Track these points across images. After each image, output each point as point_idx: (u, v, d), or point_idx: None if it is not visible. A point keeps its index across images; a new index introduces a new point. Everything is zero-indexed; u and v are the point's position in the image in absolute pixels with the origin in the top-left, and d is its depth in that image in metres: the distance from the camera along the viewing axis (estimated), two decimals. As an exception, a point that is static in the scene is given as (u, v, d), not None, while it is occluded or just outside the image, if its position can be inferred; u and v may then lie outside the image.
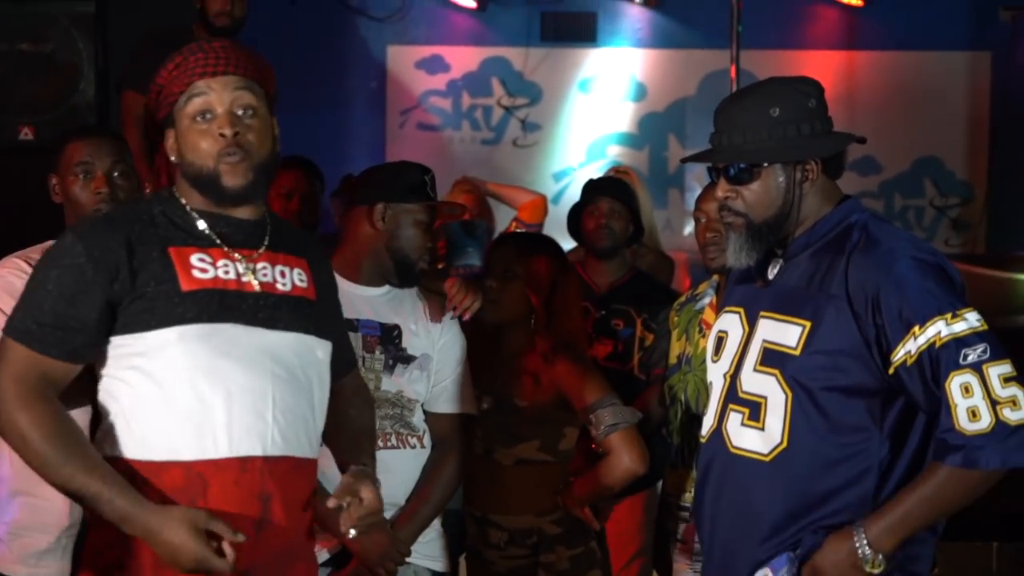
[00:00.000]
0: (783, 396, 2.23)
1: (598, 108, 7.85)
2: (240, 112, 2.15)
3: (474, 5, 7.81)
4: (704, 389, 3.21)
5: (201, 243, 2.13)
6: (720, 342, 2.39)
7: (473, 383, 3.09)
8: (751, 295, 2.34)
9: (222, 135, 2.11)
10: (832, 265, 2.23)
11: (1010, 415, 2.10)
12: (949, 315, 2.14)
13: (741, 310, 2.35)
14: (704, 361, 3.19)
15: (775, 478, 2.23)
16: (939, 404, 2.14)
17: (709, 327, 3.23)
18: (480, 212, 4.85)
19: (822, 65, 7.71)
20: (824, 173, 2.30)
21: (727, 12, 6.43)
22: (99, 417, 2.16)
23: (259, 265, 2.14)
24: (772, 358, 2.26)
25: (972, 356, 2.12)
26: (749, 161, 2.25)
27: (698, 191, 3.39)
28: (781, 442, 2.23)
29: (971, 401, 2.11)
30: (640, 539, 3.93)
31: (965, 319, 2.14)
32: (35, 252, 2.81)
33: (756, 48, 6.97)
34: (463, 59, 7.97)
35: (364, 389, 2.48)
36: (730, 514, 2.30)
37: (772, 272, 2.31)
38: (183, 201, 2.16)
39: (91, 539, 2.14)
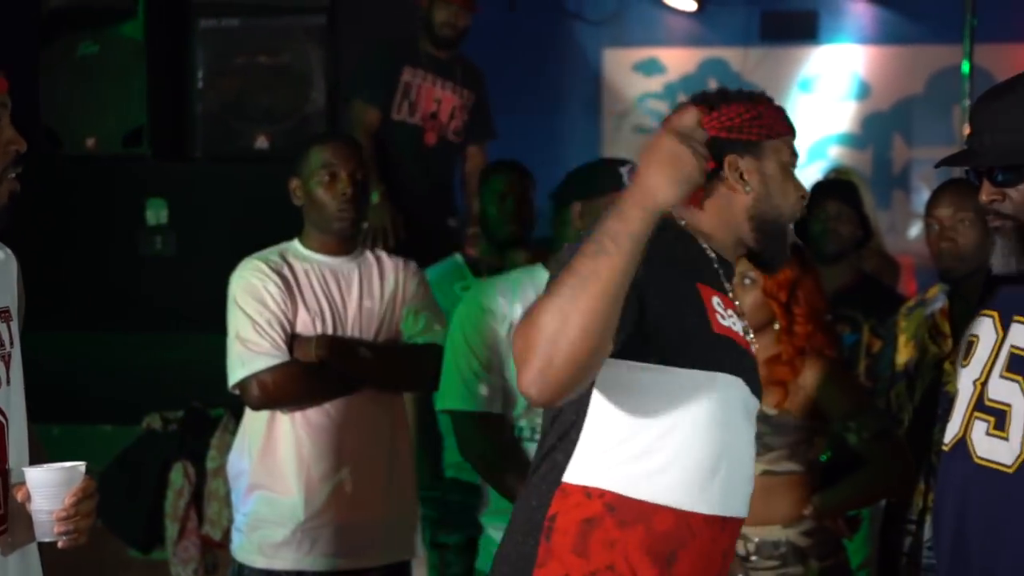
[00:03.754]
0: None
1: (819, 108, 7.67)
2: None
3: (692, 6, 7.74)
4: (928, 396, 3.09)
5: (716, 285, 2.04)
6: (971, 346, 2.28)
7: None
8: (1009, 299, 2.23)
9: (803, 197, 2.10)
10: None
11: None
12: None
13: (996, 314, 2.24)
14: (932, 368, 3.08)
15: (1018, 491, 2.13)
16: None
17: (940, 334, 3.11)
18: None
19: (1063, 58, 7.31)
20: None
21: (959, 4, 6.18)
22: None
23: (736, 314, 2.07)
24: (1019, 364, 2.15)
25: None
26: (1017, 161, 2.13)
27: (924, 192, 3.27)
28: (1021, 453, 2.13)
29: None
30: (866, 550, 3.82)
31: None
32: (272, 254, 2.96)
33: (992, 42, 6.66)
34: (680, 61, 7.92)
35: None
36: (976, 530, 2.20)
37: None
38: (696, 237, 2.08)
39: None
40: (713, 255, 2.06)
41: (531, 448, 2.75)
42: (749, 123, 2.05)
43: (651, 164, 1.83)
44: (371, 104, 4.48)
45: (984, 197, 2.19)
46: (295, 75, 4.51)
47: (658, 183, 1.81)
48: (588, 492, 1.95)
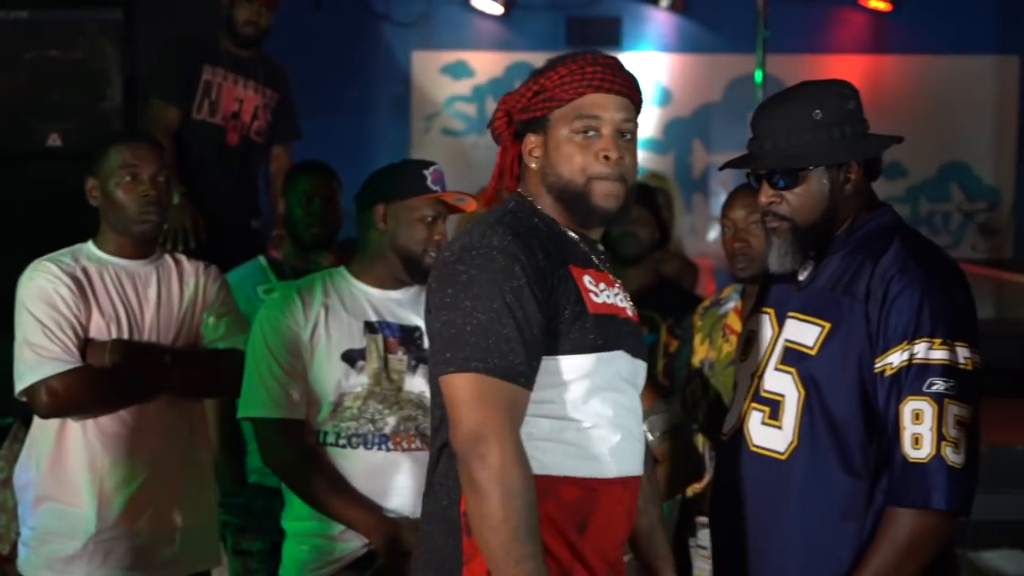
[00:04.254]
0: (797, 395, 2.23)
1: (623, 113, 7.84)
2: (624, 137, 2.09)
3: (500, 11, 7.81)
4: (727, 393, 3.20)
5: (584, 263, 2.07)
6: (749, 342, 2.38)
7: None
8: (783, 296, 2.34)
9: (606, 157, 2.06)
10: (860, 269, 2.22)
11: (951, 455, 2.10)
12: (938, 340, 2.13)
13: (772, 311, 2.35)
14: (727, 365, 3.19)
15: (790, 477, 2.23)
16: (893, 426, 2.14)
17: (733, 332, 3.22)
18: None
19: (849, 69, 7.69)
20: (864, 176, 2.29)
21: (753, 17, 6.42)
22: None
23: (614, 288, 2.11)
24: (791, 356, 2.26)
25: (938, 386, 2.11)
26: (796, 165, 2.24)
27: (723, 196, 3.37)
28: (793, 441, 2.23)
29: (918, 428, 2.11)
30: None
31: (952, 350, 2.13)
32: (64, 256, 2.85)
33: (782, 52, 6.96)
34: (488, 64, 7.99)
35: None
36: (751, 515, 2.29)
37: (803, 274, 2.30)
38: (553, 218, 2.09)
39: None
40: (574, 235, 2.10)
41: (336, 453, 2.72)
42: (532, 101, 2.09)
43: None
44: (171, 103, 4.36)
45: (763, 199, 2.29)
46: (89, 71, 4.35)
47: None
48: None
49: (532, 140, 2.10)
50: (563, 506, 2.00)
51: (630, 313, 2.13)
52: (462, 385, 1.94)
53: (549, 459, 2.00)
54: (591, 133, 2.06)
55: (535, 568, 1.88)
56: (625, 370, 2.08)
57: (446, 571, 2.00)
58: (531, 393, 1.97)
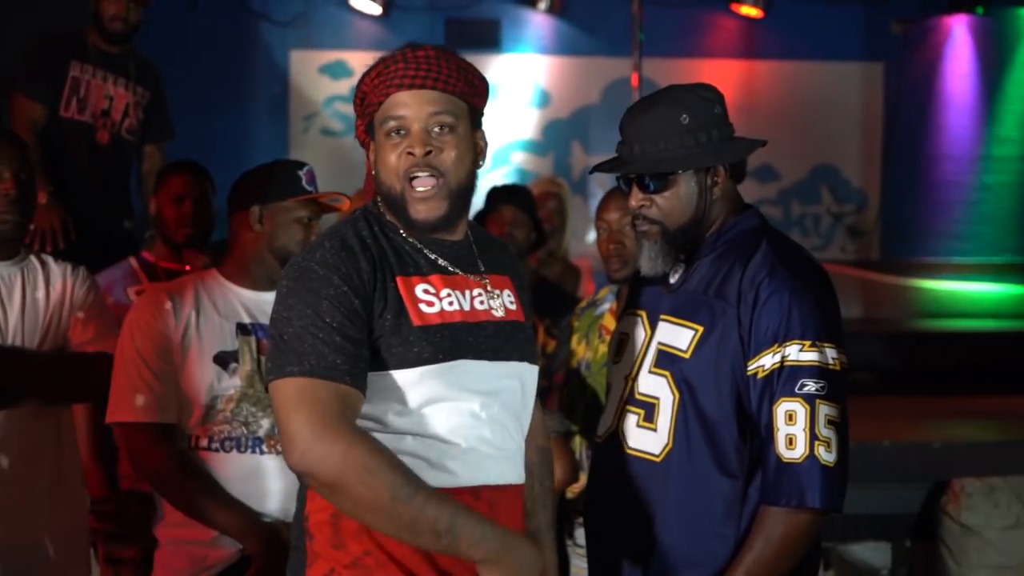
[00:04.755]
0: (672, 397, 2.26)
1: (503, 115, 7.88)
2: (437, 130, 2.02)
3: (378, 11, 7.78)
4: (603, 393, 3.23)
5: (423, 271, 2.02)
6: (622, 344, 2.41)
7: None
8: (654, 298, 2.37)
9: (409, 152, 2.01)
10: (730, 272, 2.26)
11: (824, 454, 2.15)
12: (808, 342, 2.17)
13: (644, 313, 2.37)
14: (604, 365, 3.22)
15: (666, 479, 2.26)
16: (767, 427, 2.19)
17: (609, 332, 3.26)
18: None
19: (722, 74, 7.84)
20: (730, 178, 2.33)
21: (629, 21, 6.51)
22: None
23: (475, 291, 2.06)
24: (664, 360, 2.29)
25: (809, 387, 2.16)
26: (665, 169, 2.27)
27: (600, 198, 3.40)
28: (668, 443, 2.26)
29: (792, 429, 2.15)
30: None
31: (821, 351, 2.17)
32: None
33: (657, 56, 7.06)
34: (367, 64, 7.93)
35: (542, 423, 2.31)
36: (627, 516, 2.31)
37: (674, 277, 2.33)
38: (398, 226, 2.05)
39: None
40: (416, 241, 2.05)
41: (209, 457, 2.68)
42: (360, 109, 2.08)
43: (517, 570, 1.94)
44: (35, 100, 4.24)
45: (633, 203, 2.32)
46: (-50, 67, 4.21)
47: (498, 571, 1.92)
48: None
49: (371, 146, 2.09)
50: None
51: (497, 314, 2.08)
52: (283, 391, 1.92)
53: None
54: (402, 132, 2.03)
55: (436, 513, 1.88)
56: (474, 377, 2.03)
57: (296, 573, 2.01)
58: (361, 393, 1.94)
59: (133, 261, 3.77)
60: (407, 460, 1.95)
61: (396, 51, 2.05)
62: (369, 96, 2.05)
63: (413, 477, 1.90)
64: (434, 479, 1.96)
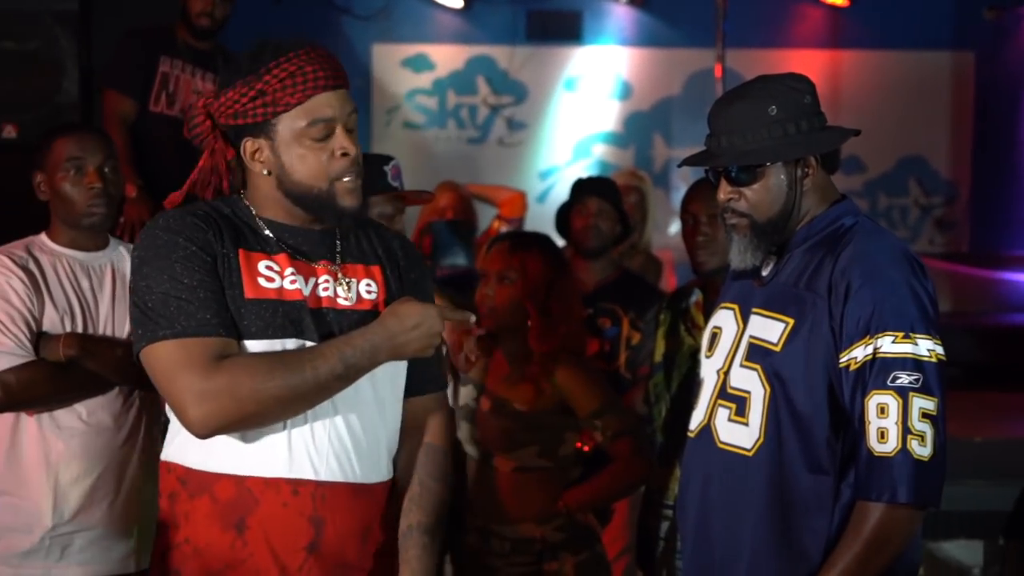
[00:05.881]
0: (763, 391, 2.23)
1: (584, 107, 7.85)
2: (351, 128, 2.06)
3: (460, 4, 7.80)
4: (680, 387, 3.20)
5: (269, 250, 2.06)
6: (714, 338, 2.38)
7: (473, 385, 3.09)
8: (746, 292, 2.34)
9: (344, 154, 2.03)
10: (821, 264, 2.23)
11: (917, 448, 2.10)
12: (901, 334, 2.13)
13: (736, 306, 2.35)
14: (690, 360, 3.19)
15: (758, 473, 2.23)
16: (859, 420, 2.15)
17: (696, 326, 3.23)
18: (464, 212, 4.86)
19: (807, 64, 7.73)
20: (822, 169, 2.29)
21: (712, 11, 6.44)
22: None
23: (322, 278, 2.08)
24: (756, 353, 2.26)
25: (902, 380, 2.11)
26: (753, 162, 2.23)
27: (683, 190, 3.37)
28: (760, 437, 2.24)
29: (883, 422, 2.11)
30: (624, 538, 3.94)
31: (915, 343, 2.13)
32: (17, 248, 2.81)
33: (741, 47, 6.98)
34: (448, 57, 7.97)
35: (442, 421, 2.25)
36: (719, 511, 2.29)
37: (766, 269, 2.30)
38: (252, 210, 2.08)
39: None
40: (260, 222, 2.06)
41: None
42: (250, 106, 2.03)
43: (413, 330, 2.01)
44: (126, 95, 4.32)
45: (721, 196, 2.29)
46: (45, 63, 4.31)
47: (409, 348, 2.03)
48: (169, 467, 2.07)
49: (253, 144, 2.05)
50: (218, 503, 2.02)
51: (342, 303, 2.07)
52: (158, 355, 1.97)
53: (204, 455, 2.03)
54: (326, 134, 2.04)
55: (328, 365, 1.96)
56: None
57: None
58: (235, 341, 1.98)
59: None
60: (224, 444, 2.01)
61: (288, 48, 2.04)
62: (275, 95, 2.01)
63: (288, 357, 1.96)
64: (246, 468, 2.01)
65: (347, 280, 2.10)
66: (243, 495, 2.02)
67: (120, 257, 2.89)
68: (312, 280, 2.07)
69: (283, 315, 2.02)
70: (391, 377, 2.13)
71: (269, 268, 2.04)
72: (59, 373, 2.72)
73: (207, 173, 2.14)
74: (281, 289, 2.04)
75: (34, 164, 2.85)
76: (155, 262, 1.99)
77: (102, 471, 2.78)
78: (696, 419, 2.37)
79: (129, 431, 2.82)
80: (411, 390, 2.19)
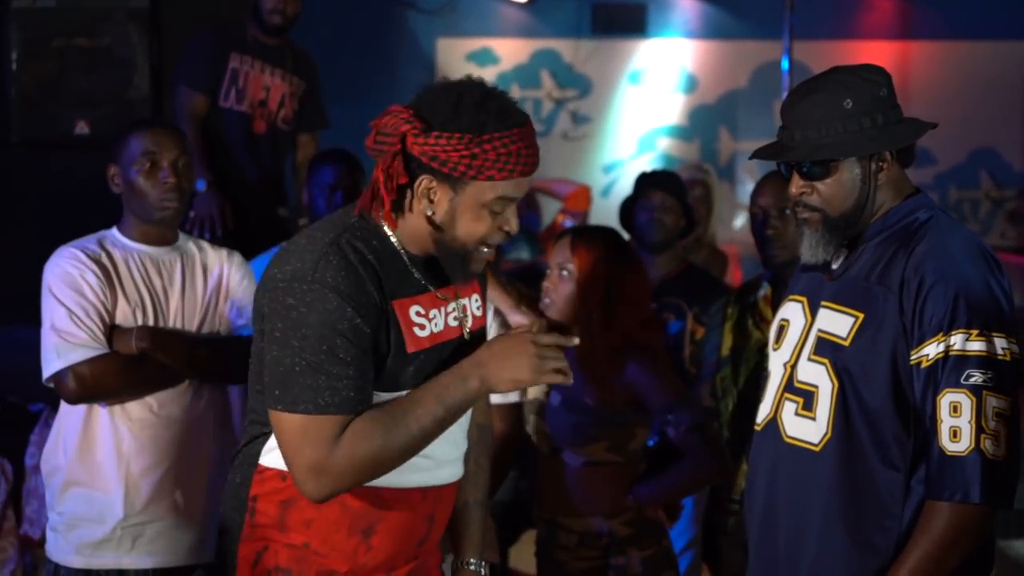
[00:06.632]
0: (831, 385, 2.21)
1: (648, 100, 7.81)
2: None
3: (524, -2, 7.80)
4: (746, 380, 3.18)
5: (414, 291, 2.10)
6: (782, 331, 2.36)
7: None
8: (815, 284, 2.31)
9: (508, 233, 2.09)
10: (894, 258, 2.19)
11: (990, 447, 2.07)
12: (975, 332, 2.09)
13: (804, 299, 2.32)
14: (757, 354, 3.17)
15: (825, 469, 2.21)
16: (931, 418, 2.12)
17: (763, 320, 3.21)
18: (527, 205, 4.87)
19: (876, 55, 7.62)
20: (896, 162, 2.26)
21: (779, 2, 6.38)
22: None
23: (450, 307, 2.16)
24: (824, 347, 2.24)
25: (976, 378, 2.08)
26: (827, 156, 2.20)
27: (749, 184, 3.36)
28: (827, 432, 2.21)
29: (956, 421, 2.08)
30: (691, 532, 3.92)
31: (989, 342, 2.09)
32: (90, 242, 2.86)
33: (808, 39, 6.91)
34: (513, 51, 7.97)
35: (486, 398, 2.40)
36: (785, 506, 2.27)
37: (836, 263, 2.27)
38: (397, 244, 2.09)
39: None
40: (407, 258, 2.09)
41: None
42: (458, 161, 2.02)
43: (505, 361, 2.02)
44: (198, 90, 4.37)
45: (793, 190, 2.26)
46: (117, 59, 4.37)
47: (502, 380, 2.03)
48: (284, 476, 2.09)
49: (431, 185, 2.05)
50: (349, 512, 2.10)
51: (466, 330, 2.16)
52: (291, 425, 2.00)
53: None
54: (503, 209, 2.07)
55: (427, 413, 2.01)
56: None
57: (229, 540, 2.16)
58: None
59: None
60: None
61: (516, 126, 2.03)
62: (484, 164, 2.01)
63: (393, 412, 2.00)
64: (383, 480, 2.06)
65: (462, 301, 2.18)
66: (377, 503, 2.11)
67: (189, 253, 2.93)
68: (442, 311, 2.14)
69: (430, 364, 2.09)
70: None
71: (418, 314, 2.09)
72: (131, 366, 2.76)
73: (374, 191, 2.11)
74: (432, 335, 2.10)
75: (109, 158, 2.90)
76: (319, 329, 1.98)
77: (172, 463, 2.82)
78: (763, 412, 2.35)
79: (198, 424, 2.86)
80: None
